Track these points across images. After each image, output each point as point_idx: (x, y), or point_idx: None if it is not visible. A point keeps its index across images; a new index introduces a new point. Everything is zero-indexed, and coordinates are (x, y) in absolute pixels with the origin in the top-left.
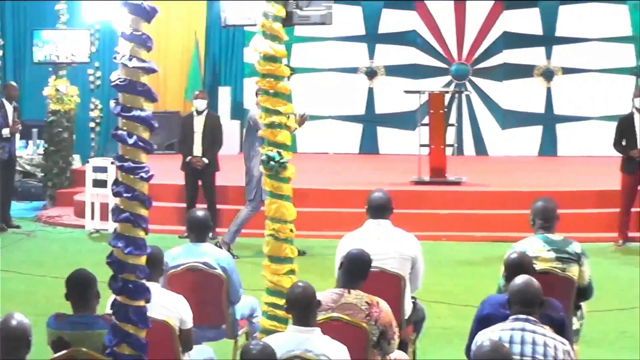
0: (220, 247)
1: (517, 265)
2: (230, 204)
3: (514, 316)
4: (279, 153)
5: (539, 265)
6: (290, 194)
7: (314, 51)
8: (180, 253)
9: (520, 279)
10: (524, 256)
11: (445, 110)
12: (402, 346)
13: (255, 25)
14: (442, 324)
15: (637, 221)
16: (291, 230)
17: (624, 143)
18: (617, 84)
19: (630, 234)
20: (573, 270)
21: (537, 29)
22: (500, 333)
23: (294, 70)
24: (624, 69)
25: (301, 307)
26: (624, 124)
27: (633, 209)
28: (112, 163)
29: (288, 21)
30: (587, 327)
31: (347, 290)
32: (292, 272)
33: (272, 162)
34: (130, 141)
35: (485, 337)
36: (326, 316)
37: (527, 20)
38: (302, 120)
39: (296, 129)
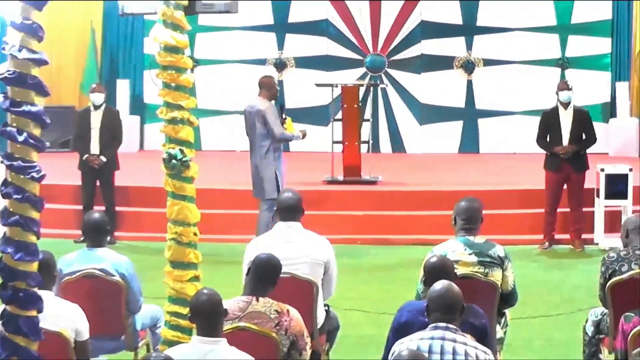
0: None
1: (437, 270)
2: (131, 206)
3: (434, 324)
4: (182, 151)
5: (460, 270)
6: (193, 195)
7: (218, 41)
8: (75, 259)
9: (439, 285)
10: (444, 260)
11: (360, 104)
12: (315, 357)
13: (155, 13)
14: (358, 333)
15: (564, 222)
16: (195, 234)
17: (547, 139)
18: (542, 77)
19: (557, 236)
20: (496, 275)
21: (457, 18)
22: (419, 342)
23: (197, 62)
24: (548, 61)
25: (206, 316)
26: (548, 119)
27: (559, 209)
28: (1, 162)
29: (190, 9)
30: (512, 335)
31: (255, 297)
32: (196, 278)
33: (173, 161)
34: (20, 138)
35: (403, 346)
36: (233, 326)
37: (447, 9)
38: (303, 134)
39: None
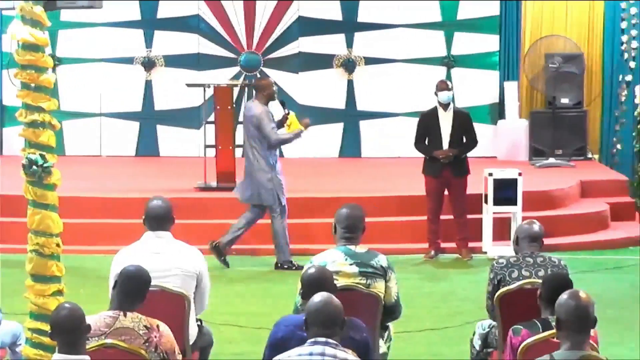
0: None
1: (315, 282)
2: None
3: (313, 339)
4: (42, 156)
5: (340, 281)
6: (56, 203)
7: (82, 39)
8: None
9: (318, 297)
10: (322, 271)
11: (234, 106)
12: None
13: (13, 8)
14: (233, 350)
15: (450, 230)
16: (58, 245)
17: (426, 142)
18: (427, 76)
19: (443, 244)
20: (379, 286)
21: (336, 14)
22: (297, 359)
23: (59, 61)
24: (433, 59)
25: (67, 332)
26: (426, 121)
27: (443, 217)
28: None
29: (51, 5)
30: (396, 350)
31: (122, 312)
32: (59, 292)
33: (34, 167)
34: None
35: None
36: (99, 343)
37: (326, 5)
38: (306, 124)
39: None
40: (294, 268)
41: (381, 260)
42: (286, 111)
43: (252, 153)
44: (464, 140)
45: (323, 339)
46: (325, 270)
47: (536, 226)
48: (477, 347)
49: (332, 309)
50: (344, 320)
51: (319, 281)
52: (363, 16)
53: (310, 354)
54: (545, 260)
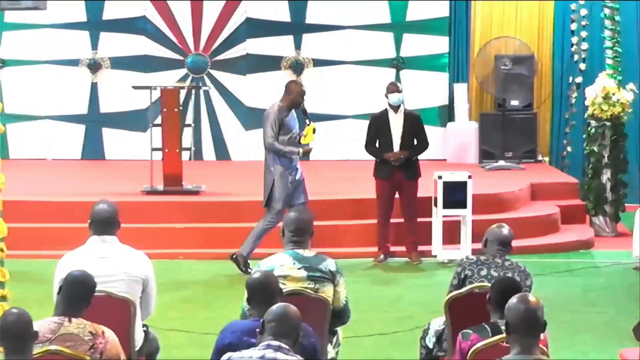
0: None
1: (260, 287)
2: None
3: (266, 343)
4: None
5: (288, 285)
6: None
7: (27, 41)
8: None
9: (278, 304)
10: (268, 276)
11: (181, 108)
12: None
13: None
14: (180, 356)
15: (399, 233)
16: (2, 250)
17: (377, 144)
18: (376, 78)
19: (392, 248)
20: (327, 291)
21: (284, 16)
22: None
23: (3, 63)
24: (382, 61)
25: (14, 338)
26: (377, 123)
27: (394, 220)
28: None
29: None
30: (344, 355)
31: (67, 318)
32: (3, 298)
33: None
34: None
35: None
36: (43, 349)
37: (273, 6)
38: (306, 151)
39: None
40: (241, 268)
41: (330, 264)
42: (307, 122)
43: (265, 153)
44: (415, 142)
45: (276, 343)
46: (270, 275)
47: (506, 230)
48: (430, 345)
49: (291, 317)
50: (298, 331)
51: (264, 286)
52: (311, 17)
53: (262, 357)
54: (512, 264)
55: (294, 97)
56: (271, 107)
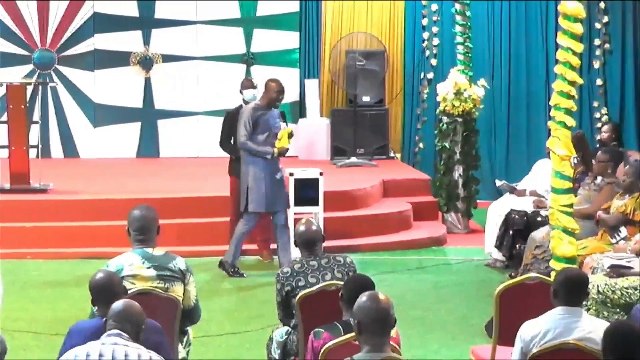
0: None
1: (103, 287)
2: None
3: (106, 333)
4: None
5: (137, 285)
6: None
7: None
8: None
9: (120, 303)
10: (110, 276)
11: (27, 105)
12: None
13: None
14: (28, 357)
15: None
16: None
17: (232, 141)
18: (227, 73)
19: (245, 246)
20: (177, 290)
21: (132, 10)
22: (89, 349)
23: None
24: (233, 56)
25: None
26: (232, 120)
27: None
28: None
29: None
30: (195, 355)
31: None
32: None
33: None
34: None
35: (71, 354)
36: None
37: (122, 1)
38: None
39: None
40: (231, 272)
41: (179, 263)
42: (284, 124)
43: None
44: None
45: (115, 331)
46: (113, 275)
47: (312, 227)
48: (277, 357)
49: (130, 312)
50: (139, 325)
51: (107, 286)
52: (160, 12)
53: (103, 344)
54: (329, 261)
55: (270, 95)
56: (247, 106)
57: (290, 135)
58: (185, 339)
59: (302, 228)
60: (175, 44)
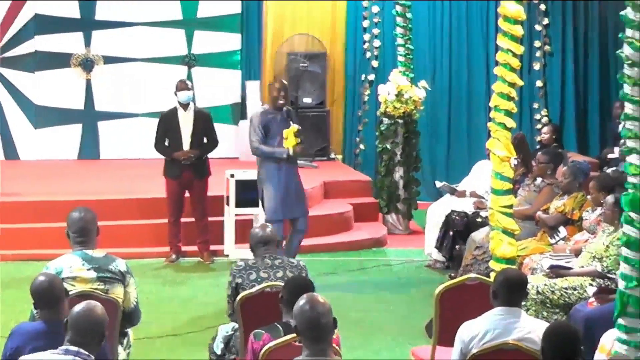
0: None
1: (44, 291)
2: None
3: (65, 347)
4: None
5: (77, 287)
6: None
7: None
8: None
9: (80, 307)
10: (52, 280)
11: None
12: None
13: None
14: None
15: (191, 233)
16: None
17: (167, 143)
18: (168, 75)
19: (184, 248)
20: (117, 292)
21: (73, 12)
22: None
23: None
24: (174, 58)
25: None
26: (167, 122)
27: (184, 219)
28: None
29: None
30: (135, 356)
31: None
32: None
33: None
34: None
35: None
36: None
37: (63, 2)
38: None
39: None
40: None
41: (119, 264)
42: (290, 123)
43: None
44: (205, 140)
45: (75, 349)
46: (53, 278)
47: (267, 229)
48: (219, 352)
49: (92, 320)
50: (103, 334)
51: (47, 290)
52: (101, 14)
53: None
54: (283, 261)
55: (271, 95)
56: (255, 111)
57: (297, 133)
58: (125, 341)
59: (257, 230)
60: (116, 46)
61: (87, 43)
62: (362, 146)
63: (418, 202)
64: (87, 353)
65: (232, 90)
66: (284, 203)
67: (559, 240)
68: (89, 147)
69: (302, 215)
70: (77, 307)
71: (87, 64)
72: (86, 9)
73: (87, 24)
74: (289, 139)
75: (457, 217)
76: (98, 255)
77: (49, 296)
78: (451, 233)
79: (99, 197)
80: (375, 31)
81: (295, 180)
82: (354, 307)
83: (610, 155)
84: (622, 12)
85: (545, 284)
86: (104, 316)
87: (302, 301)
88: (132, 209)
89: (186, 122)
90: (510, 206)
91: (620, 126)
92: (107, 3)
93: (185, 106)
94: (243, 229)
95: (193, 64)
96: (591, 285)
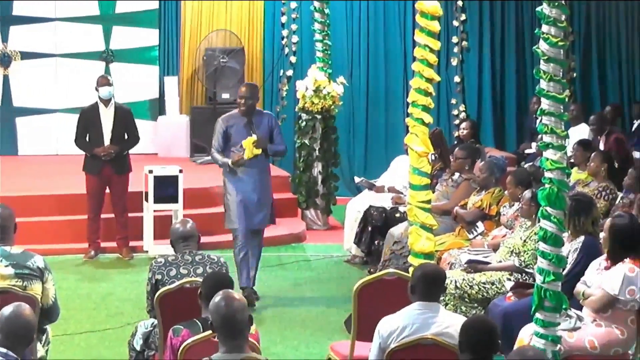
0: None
1: None
2: None
3: None
4: None
5: None
6: None
7: None
8: None
9: (10, 308)
10: None
11: None
12: None
13: None
14: None
15: (110, 229)
16: None
17: (87, 139)
18: (85, 71)
19: (103, 244)
20: (36, 288)
21: None
22: None
23: None
24: (92, 54)
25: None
26: (87, 117)
27: (103, 215)
28: None
29: None
30: (54, 353)
31: None
32: None
33: None
34: None
35: None
36: None
37: None
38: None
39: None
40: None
41: (37, 261)
42: (251, 133)
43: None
44: (126, 137)
45: (4, 351)
46: None
47: (188, 225)
48: (138, 348)
49: (22, 324)
50: (32, 337)
51: None
52: (18, 9)
53: None
54: (203, 257)
55: (240, 102)
56: (221, 117)
57: (256, 144)
58: (44, 338)
59: (177, 225)
60: (33, 41)
61: (5, 38)
62: None
63: (337, 197)
64: (15, 355)
65: (150, 86)
66: (239, 213)
67: (476, 236)
68: (7, 143)
69: (261, 224)
70: (6, 311)
71: (5, 60)
72: (3, 4)
73: (4, 19)
74: (247, 149)
75: (375, 213)
76: (16, 252)
77: None
78: (370, 228)
79: (16, 194)
80: (294, 27)
81: (259, 188)
82: (274, 303)
83: (527, 151)
84: (538, 8)
85: (464, 279)
86: (33, 319)
87: (217, 297)
88: (50, 205)
89: (107, 118)
90: (428, 201)
91: (537, 121)
92: None
93: (106, 102)
94: (162, 225)
95: (111, 60)
96: (509, 279)
